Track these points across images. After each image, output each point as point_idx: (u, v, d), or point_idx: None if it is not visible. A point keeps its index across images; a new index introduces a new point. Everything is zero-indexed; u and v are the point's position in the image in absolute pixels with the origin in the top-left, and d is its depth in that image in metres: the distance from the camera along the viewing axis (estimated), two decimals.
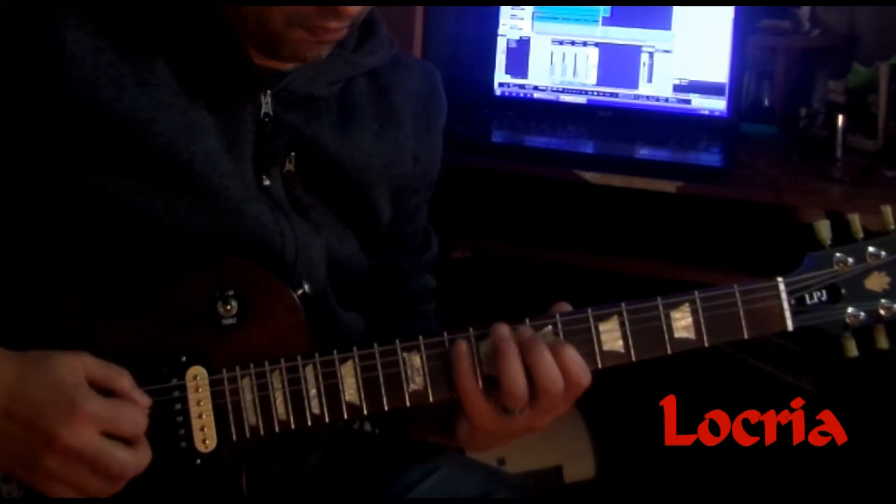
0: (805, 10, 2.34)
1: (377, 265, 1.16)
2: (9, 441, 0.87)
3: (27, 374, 0.87)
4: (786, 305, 0.97)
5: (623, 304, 0.96)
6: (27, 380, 0.87)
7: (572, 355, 0.93)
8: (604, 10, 2.12)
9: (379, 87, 1.11)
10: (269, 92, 1.00)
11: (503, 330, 0.94)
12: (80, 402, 0.87)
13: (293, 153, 1.04)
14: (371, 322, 1.16)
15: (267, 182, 1.02)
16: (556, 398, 0.93)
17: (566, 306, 0.98)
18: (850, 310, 0.97)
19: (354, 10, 0.90)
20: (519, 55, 2.18)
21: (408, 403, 0.95)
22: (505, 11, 2.18)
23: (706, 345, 0.96)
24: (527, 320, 0.96)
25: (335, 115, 1.06)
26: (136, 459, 0.89)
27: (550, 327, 0.95)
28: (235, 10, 0.94)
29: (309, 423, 0.95)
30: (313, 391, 0.95)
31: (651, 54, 2.09)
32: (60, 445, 0.86)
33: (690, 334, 0.96)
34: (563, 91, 2.16)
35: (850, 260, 0.97)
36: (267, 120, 1.01)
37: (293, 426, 0.95)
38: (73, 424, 0.86)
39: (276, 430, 0.95)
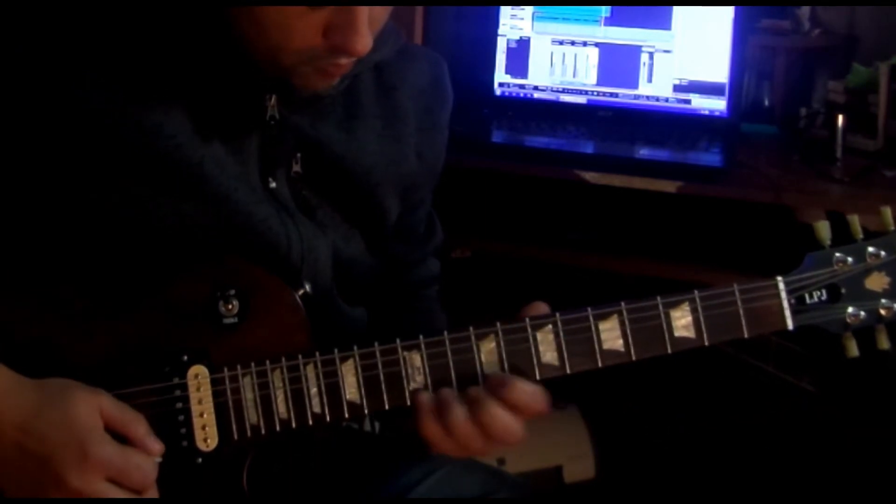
0: (805, 10, 2.34)
1: (383, 259, 1.16)
2: (20, 472, 0.87)
3: (43, 410, 0.87)
4: (785, 304, 0.96)
5: (623, 304, 0.96)
6: (43, 416, 0.87)
7: (519, 397, 0.92)
8: (604, 10, 2.12)
9: (383, 83, 1.10)
10: (273, 95, 1.00)
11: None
12: (91, 447, 0.87)
13: (299, 154, 1.04)
14: (374, 313, 1.16)
15: (273, 184, 1.02)
16: (516, 436, 0.94)
17: (543, 307, 0.98)
18: (850, 309, 0.97)
19: (366, 47, 0.89)
20: (519, 55, 2.18)
21: (408, 402, 0.95)
22: (505, 11, 2.18)
23: (706, 343, 0.96)
24: (527, 319, 0.96)
25: (341, 114, 1.06)
26: None
27: (551, 326, 0.96)
28: (248, 41, 0.93)
29: (310, 421, 0.95)
30: (314, 390, 0.95)
31: (651, 54, 2.09)
32: (68, 488, 0.86)
33: (690, 333, 0.96)
34: (563, 91, 2.16)
35: (850, 260, 0.97)
36: (273, 123, 1.01)
37: (294, 425, 0.95)
38: (82, 470, 0.86)
39: (277, 428, 0.95)
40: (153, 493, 0.91)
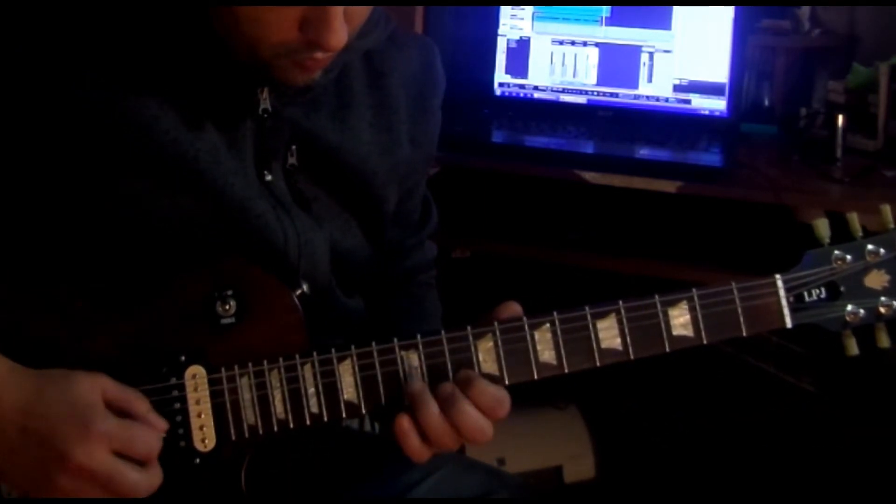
0: (805, 10, 2.34)
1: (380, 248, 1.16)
2: (22, 457, 0.87)
3: (44, 391, 0.87)
4: (784, 303, 0.96)
5: (621, 302, 0.96)
6: (44, 397, 0.87)
7: (483, 399, 0.93)
8: (604, 10, 2.12)
9: (373, 71, 1.10)
10: (266, 88, 1.00)
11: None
12: (94, 421, 0.87)
13: (294, 147, 1.04)
14: (372, 302, 1.16)
15: (269, 178, 1.02)
16: (486, 436, 0.94)
17: (515, 306, 0.98)
18: (849, 307, 0.96)
19: (341, 42, 0.90)
20: (519, 55, 2.18)
21: (406, 402, 0.95)
22: (505, 11, 2.18)
23: (704, 342, 0.96)
24: (524, 318, 0.96)
25: (334, 104, 1.06)
26: (147, 480, 0.89)
27: (549, 325, 0.95)
28: (227, 35, 0.94)
29: (308, 422, 0.95)
30: (311, 390, 0.94)
31: (651, 54, 2.09)
32: (73, 464, 0.86)
33: (689, 332, 0.96)
34: (563, 91, 2.16)
35: (849, 257, 0.97)
36: (266, 116, 1.01)
37: (292, 425, 0.95)
38: (87, 443, 0.86)
39: (275, 429, 0.95)
40: (157, 469, 0.90)
